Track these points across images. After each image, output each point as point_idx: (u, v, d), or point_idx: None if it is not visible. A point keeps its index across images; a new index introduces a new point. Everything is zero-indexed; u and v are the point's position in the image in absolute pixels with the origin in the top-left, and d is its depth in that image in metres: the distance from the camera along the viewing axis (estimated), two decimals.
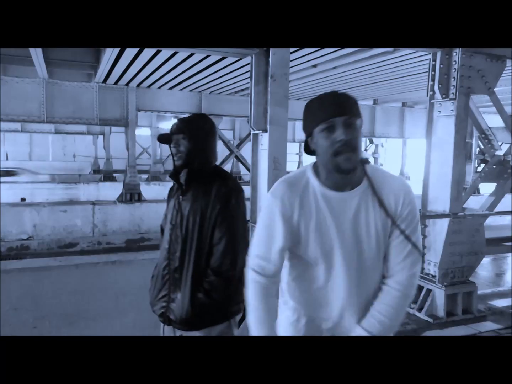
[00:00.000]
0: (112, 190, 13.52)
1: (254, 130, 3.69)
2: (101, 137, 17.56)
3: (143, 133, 17.10)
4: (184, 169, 1.92)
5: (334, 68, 7.43)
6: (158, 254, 2.01)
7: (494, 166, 4.86)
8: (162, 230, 2.06)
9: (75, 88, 9.47)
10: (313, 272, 1.42)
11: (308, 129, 1.37)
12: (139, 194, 10.60)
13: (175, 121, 1.99)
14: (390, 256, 1.41)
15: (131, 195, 10.48)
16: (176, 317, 1.89)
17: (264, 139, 3.67)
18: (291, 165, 10.06)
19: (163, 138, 1.97)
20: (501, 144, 4.94)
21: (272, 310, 1.47)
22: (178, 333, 1.94)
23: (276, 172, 3.55)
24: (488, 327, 4.07)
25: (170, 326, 1.95)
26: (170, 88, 10.17)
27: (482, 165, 12.25)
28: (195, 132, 1.93)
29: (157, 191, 13.20)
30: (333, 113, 1.29)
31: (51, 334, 3.13)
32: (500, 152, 4.80)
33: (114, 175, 16.17)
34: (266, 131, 3.60)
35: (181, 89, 10.26)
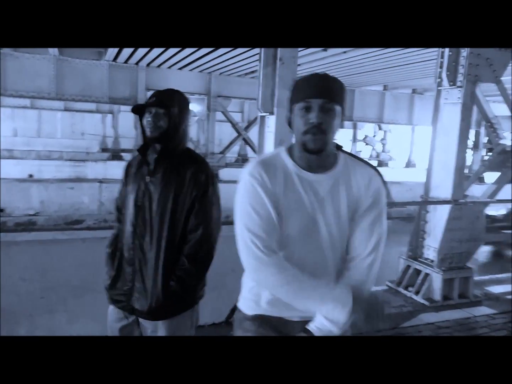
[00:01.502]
0: (120, 169, 13.49)
1: (261, 112, 3.75)
2: (109, 116, 17.62)
3: None
4: (155, 143, 1.81)
5: (344, 52, 7.43)
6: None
7: (498, 155, 4.90)
8: (119, 210, 1.94)
9: (85, 66, 9.53)
10: (286, 250, 1.42)
11: (290, 105, 1.42)
12: None
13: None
14: (353, 239, 1.44)
15: None
16: (143, 306, 1.80)
17: (271, 122, 3.74)
18: None
19: (138, 109, 1.84)
20: (506, 133, 4.96)
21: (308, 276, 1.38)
22: (144, 324, 1.85)
23: None
24: (482, 311, 4.18)
25: (131, 315, 1.86)
26: (180, 68, 10.19)
27: (490, 154, 12.26)
28: (179, 110, 1.83)
29: None
30: (312, 94, 1.34)
31: (58, 305, 3.24)
32: (504, 141, 4.84)
33: (122, 154, 16.28)
34: (273, 114, 3.67)
35: (190, 70, 10.27)
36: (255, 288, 1.47)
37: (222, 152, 11.20)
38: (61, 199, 9.67)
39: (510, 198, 5.38)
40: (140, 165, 1.87)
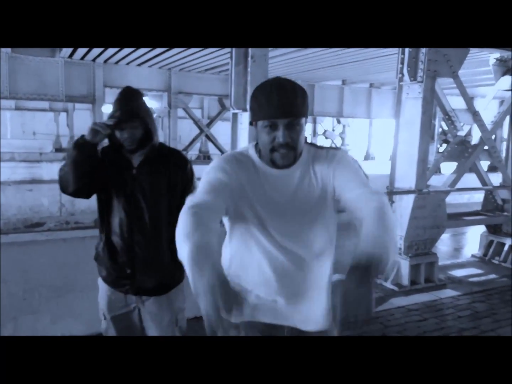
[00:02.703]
0: None
1: (234, 109, 3.79)
2: (63, 114, 17.02)
3: (106, 110, 16.71)
4: (134, 153, 1.90)
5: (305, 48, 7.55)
6: None
7: (456, 146, 5.19)
8: (103, 202, 1.99)
9: (39, 63, 9.14)
10: (252, 244, 1.41)
11: (252, 118, 1.38)
12: None
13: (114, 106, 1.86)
14: (353, 206, 1.36)
15: None
16: (150, 283, 1.96)
17: (244, 118, 3.80)
18: None
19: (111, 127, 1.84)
20: (463, 125, 5.26)
21: (210, 240, 1.18)
22: (145, 300, 2.00)
23: None
24: (447, 294, 4.45)
25: (132, 299, 2.00)
26: (139, 65, 10.00)
27: (444, 145, 12.83)
28: (146, 114, 1.90)
29: None
30: (277, 114, 1.30)
31: (41, 305, 3.20)
32: (462, 133, 5.13)
33: None
34: (246, 110, 3.72)
35: (150, 66, 10.11)
36: (239, 294, 1.44)
37: (185, 149, 11.10)
38: (20, 202, 9.30)
39: (469, 187, 5.73)
40: (117, 158, 1.94)
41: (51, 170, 14.36)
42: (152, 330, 2.03)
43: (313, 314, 1.47)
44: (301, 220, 1.40)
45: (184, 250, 1.13)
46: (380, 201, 1.29)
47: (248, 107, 3.69)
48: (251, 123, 1.43)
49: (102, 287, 2.06)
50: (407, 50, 4.50)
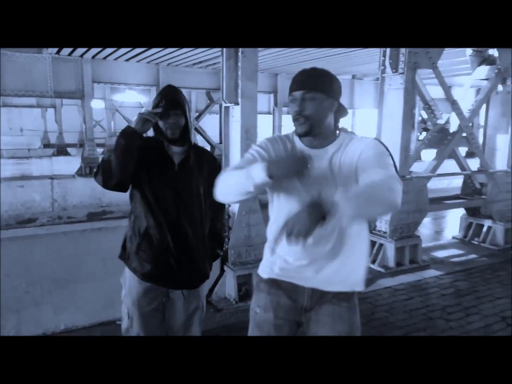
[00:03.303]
0: (67, 164, 13.28)
1: (226, 103, 3.97)
2: (50, 110, 16.97)
3: (95, 105, 16.69)
4: (175, 142, 1.99)
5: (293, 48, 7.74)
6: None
7: (436, 134, 5.45)
8: (141, 197, 2.01)
9: (26, 60, 9.16)
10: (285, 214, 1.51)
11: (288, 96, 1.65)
12: None
13: (154, 93, 2.11)
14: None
15: (90, 169, 10.44)
16: (198, 277, 2.10)
17: (236, 112, 3.97)
18: None
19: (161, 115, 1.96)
20: (442, 114, 5.52)
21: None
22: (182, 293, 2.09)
23: (247, 142, 3.88)
24: (431, 274, 4.71)
25: (167, 291, 2.08)
26: (127, 60, 10.08)
27: (424, 133, 13.15)
28: (187, 106, 2.02)
29: None
30: (295, 88, 1.59)
31: (43, 298, 3.32)
32: (441, 121, 5.39)
33: (68, 149, 15.80)
34: (238, 104, 3.90)
35: (138, 61, 10.19)
36: (272, 257, 1.73)
37: None
38: (11, 198, 9.36)
39: (450, 173, 6.00)
40: (158, 154, 2.01)
41: (41, 166, 14.40)
42: (175, 318, 2.10)
43: (336, 276, 1.65)
44: (331, 194, 1.43)
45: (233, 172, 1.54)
46: (387, 181, 1.41)
47: (239, 100, 3.90)
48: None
49: (133, 284, 2.05)
50: None
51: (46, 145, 17.20)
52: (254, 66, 3.92)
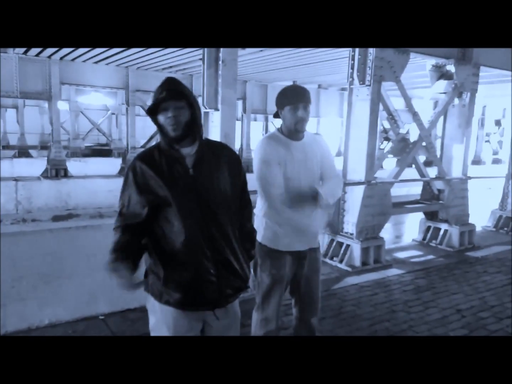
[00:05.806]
0: (29, 166, 12.93)
1: (206, 108, 4.16)
2: (10, 110, 16.47)
3: (62, 107, 16.34)
4: (180, 141, 1.68)
5: (261, 50, 8.01)
6: (115, 220, 1.73)
7: (398, 143, 5.84)
8: (128, 218, 1.70)
9: None
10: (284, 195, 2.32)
11: (281, 106, 2.34)
12: (65, 170, 10.42)
13: (161, 84, 1.66)
14: (326, 172, 2.46)
15: (57, 171, 10.28)
16: (234, 289, 1.79)
17: (215, 117, 4.17)
18: None
19: (153, 110, 1.66)
20: (404, 124, 5.92)
21: None
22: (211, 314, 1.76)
23: None
24: (393, 272, 5.05)
25: (203, 311, 1.76)
26: (96, 63, 10.05)
27: (385, 142, 13.76)
28: (193, 97, 1.69)
29: (78, 167, 12.87)
30: (299, 100, 2.29)
31: (28, 293, 3.38)
32: (403, 131, 5.79)
33: (29, 150, 15.38)
34: (218, 110, 4.10)
35: (107, 64, 10.18)
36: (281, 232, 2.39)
37: (143, 146, 11.25)
38: None
39: (411, 179, 6.41)
40: (166, 164, 1.69)
41: (2, 168, 13.92)
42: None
43: (316, 232, 2.51)
44: (313, 174, 2.40)
45: None
46: (339, 177, 2.57)
47: (220, 106, 4.09)
48: (276, 114, 2.39)
49: (166, 315, 1.74)
50: (356, 56, 5.06)
51: (5, 147, 16.62)
52: (233, 75, 4.13)
